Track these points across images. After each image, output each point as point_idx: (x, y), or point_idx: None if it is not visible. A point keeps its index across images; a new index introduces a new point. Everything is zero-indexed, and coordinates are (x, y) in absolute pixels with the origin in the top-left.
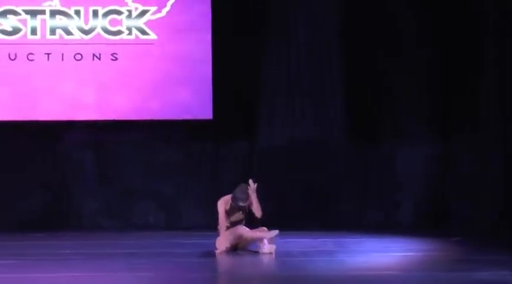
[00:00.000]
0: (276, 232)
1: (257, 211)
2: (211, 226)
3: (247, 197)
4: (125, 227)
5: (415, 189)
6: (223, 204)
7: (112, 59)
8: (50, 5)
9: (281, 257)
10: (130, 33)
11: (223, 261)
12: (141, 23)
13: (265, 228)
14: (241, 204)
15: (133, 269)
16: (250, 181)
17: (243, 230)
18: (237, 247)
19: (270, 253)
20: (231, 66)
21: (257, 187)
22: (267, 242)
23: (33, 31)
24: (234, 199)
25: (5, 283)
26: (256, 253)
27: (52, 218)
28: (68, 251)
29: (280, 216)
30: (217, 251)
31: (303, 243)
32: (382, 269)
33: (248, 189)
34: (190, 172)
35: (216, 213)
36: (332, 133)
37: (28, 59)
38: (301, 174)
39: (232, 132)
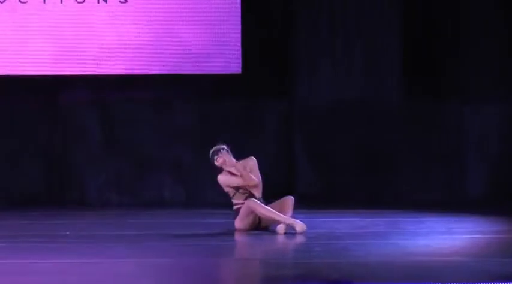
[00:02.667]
0: (299, 224)
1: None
2: None
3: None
4: (136, 204)
5: (485, 157)
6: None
7: (120, 1)
8: None
9: (323, 240)
10: None
11: (252, 246)
12: None
13: (289, 202)
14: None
15: (144, 254)
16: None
17: (256, 205)
18: (258, 226)
19: (283, 233)
20: (264, 9)
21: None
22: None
23: None
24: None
25: None
26: (291, 234)
27: (49, 193)
28: (67, 233)
29: (323, 190)
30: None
31: (350, 223)
32: (444, 255)
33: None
34: (215, 137)
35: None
36: (386, 90)
37: (20, 1)
38: (349, 139)
39: (265, 89)
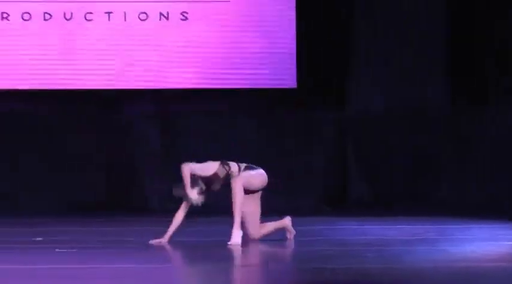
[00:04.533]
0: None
1: None
2: (296, 208)
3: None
4: (195, 211)
5: None
6: None
7: (181, 19)
8: None
9: (374, 247)
10: None
11: (305, 252)
12: None
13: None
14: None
15: (201, 260)
16: None
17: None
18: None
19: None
20: (317, 26)
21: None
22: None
23: None
24: None
25: (63, 273)
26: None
27: (114, 200)
28: (131, 239)
29: (375, 197)
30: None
31: (400, 230)
32: (491, 260)
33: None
34: (270, 147)
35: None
36: (434, 98)
37: (86, 18)
38: (398, 147)
39: (318, 101)
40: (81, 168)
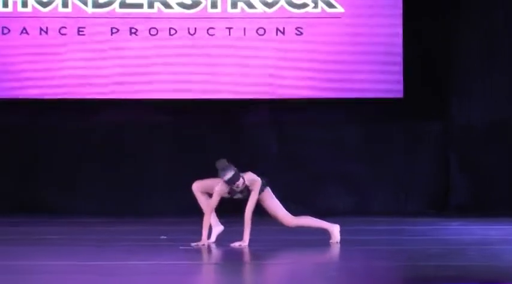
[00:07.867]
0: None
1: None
2: (403, 210)
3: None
4: (310, 213)
5: None
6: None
7: (297, 34)
8: None
9: (477, 245)
10: (316, 6)
11: (410, 250)
12: None
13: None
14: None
15: (315, 257)
16: None
17: None
18: None
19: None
20: (422, 41)
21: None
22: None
23: (214, 4)
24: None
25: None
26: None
27: (232, 203)
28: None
29: (478, 201)
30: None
31: (500, 230)
32: None
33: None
34: (380, 154)
35: None
36: None
37: (208, 33)
38: (497, 156)
39: (424, 111)
40: (205, 171)
